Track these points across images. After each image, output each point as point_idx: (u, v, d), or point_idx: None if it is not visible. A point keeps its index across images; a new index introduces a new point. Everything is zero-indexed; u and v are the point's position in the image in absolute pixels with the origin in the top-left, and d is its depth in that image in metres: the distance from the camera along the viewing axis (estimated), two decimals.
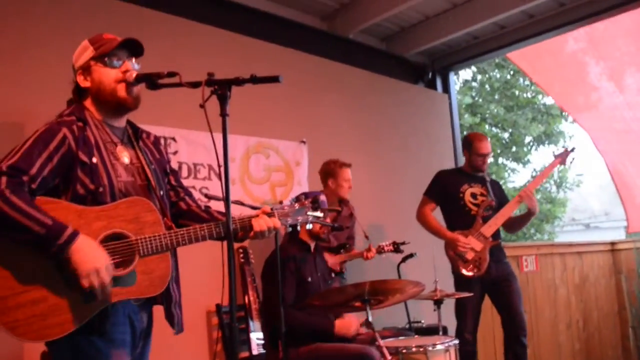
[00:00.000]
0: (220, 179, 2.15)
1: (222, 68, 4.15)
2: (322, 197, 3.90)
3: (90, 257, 1.92)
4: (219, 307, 4.20)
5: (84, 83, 2.19)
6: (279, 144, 4.93)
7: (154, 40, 4.30)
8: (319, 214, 2.43)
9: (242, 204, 3.25)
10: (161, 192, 2.24)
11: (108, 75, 2.16)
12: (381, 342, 2.96)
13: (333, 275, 4.26)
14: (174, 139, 4.27)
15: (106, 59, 2.16)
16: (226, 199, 2.02)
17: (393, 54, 6.49)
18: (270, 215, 2.30)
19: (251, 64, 4.66)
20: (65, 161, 2.03)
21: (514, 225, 4.62)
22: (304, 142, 5.09)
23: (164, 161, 2.38)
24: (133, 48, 2.22)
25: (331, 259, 4.40)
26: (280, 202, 2.44)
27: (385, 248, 4.57)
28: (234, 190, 4.45)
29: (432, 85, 6.91)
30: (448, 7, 5.89)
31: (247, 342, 4.21)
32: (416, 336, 3.90)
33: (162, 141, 4.07)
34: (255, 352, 4.10)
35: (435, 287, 3.62)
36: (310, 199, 2.47)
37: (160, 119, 4.10)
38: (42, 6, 3.92)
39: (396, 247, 4.59)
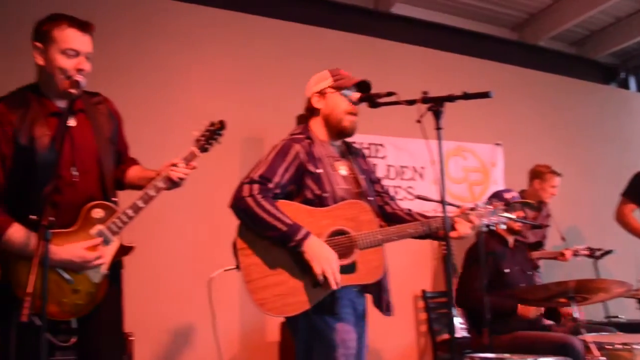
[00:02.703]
0: (435, 181, 2.18)
1: (419, 83, 4.35)
2: (513, 194, 3.78)
3: (320, 251, 2.10)
4: (424, 292, 4.35)
5: (317, 104, 2.37)
6: (476, 147, 4.92)
7: (363, 60, 4.64)
8: (510, 215, 2.43)
9: (448, 204, 3.44)
10: (371, 198, 2.36)
11: (341, 104, 2.34)
12: (588, 337, 2.83)
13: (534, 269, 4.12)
14: (382, 145, 4.51)
15: (342, 90, 2.35)
16: (442, 201, 2.07)
17: (583, 57, 6.15)
18: (468, 215, 2.34)
19: (446, 76, 4.81)
20: (298, 171, 2.23)
21: None
22: (499, 144, 5.04)
23: (370, 171, 2.52)
24: (363, 87, 2.37)
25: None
26: (475, 205, 2.44)
27: (581, 252, 4.41)
28: (437, 189, 4.54)
29: (624, 85, 6.45)
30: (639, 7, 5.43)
31: (450, 325, 4.42)
32: (618, 332, 3.60)
33: (369, 151, 4.41)
34: (457, 335, 4.28)
35: (638, 286, 3.35)
36: (503, 202, 2.50)
37: (371, 129, 4.34)
38: (276, 40, 4.36)
39: (592, 252, 4.41)
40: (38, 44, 2.07)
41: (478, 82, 4.94)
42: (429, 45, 5.07)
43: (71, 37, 2.05)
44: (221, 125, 2.29)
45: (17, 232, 1.97)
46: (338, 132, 2.38)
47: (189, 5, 4.11)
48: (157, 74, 3.94)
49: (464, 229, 2.31)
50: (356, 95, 2.34)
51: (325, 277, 2.09)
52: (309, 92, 2.43)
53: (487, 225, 2.40)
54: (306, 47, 4.38)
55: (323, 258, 2.10)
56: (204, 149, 2.26)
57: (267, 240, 2.14)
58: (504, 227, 2.49)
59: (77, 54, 2.06)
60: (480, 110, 4.95)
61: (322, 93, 2.38)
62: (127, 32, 3.89)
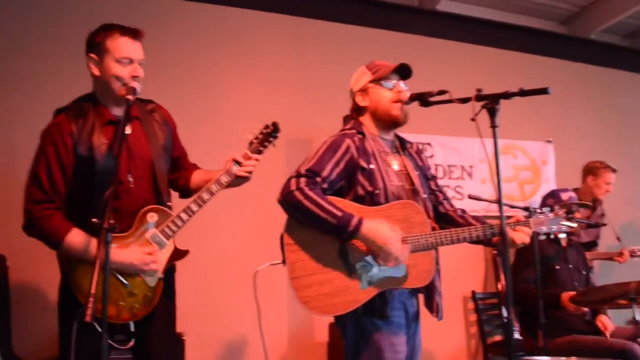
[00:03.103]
0: (492, 180, 2.12)
1: (467, 80, 4.30)
2: (570, 194, 3.74)
3: (379, 235, 2.06)
4: (474, 293, 4.30)
5: (362, 102, 2.34)
6: (526, 145, 4.82)
7: (409, 59, 4.69)
8: (572, 224, 2.32)
9: (505, 204, 3.36)
10: (424, 196, 2.29)
11: (384, 96, 2.29)
12: None
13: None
14: (429, 144, 4.46)
15: (382, 81, 2.30)
16: (499, 203, 1.96)
17: (637, 50, 5.88)
18: (525, 224, 2.24)
19: (494, 73, 4.71)
20: (349, 166, 2.19)
21: None
22: (550, 141, 4.93)
23: (425, 168, 2.44)
24: (403, 72, 2.33)
25: None
26: (534, 210, 2.37)
27: (638, 252, 4.27)
28: (485, 188, 4.49)
29: None
30: None
31: (501, 327, 4.35)
32: None
33: (423, 150, 4.33)
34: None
35: None
36: (565, 210, 2.37)
37: (417, 128, 4.39)
38: (323, 42, 4.37)
39: None
40: (93, 56, 2.14)
41: (527, 78, 4.84)
42: (475, 41, 4.98)
43: (124, 46, 2.11)
44: (274, 128, 2.33)
45: (76, 237, 2.04)
46: (390, 123, 2.33)
47: (237, 10, 4.16)
48: (207, 77, 4.00)
49: (521, 238, 2.21)
50: (406, 93, 2.29)
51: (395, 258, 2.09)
52: (352, 93, 2.40)
53: (547, 234, 2.32)
54: (352, 48, 4.35)
55: (383, 242, 2.07)
56: (258, 152, 2.32)
57: (317, 234, 2.11)
58: (563, 235, 2.39)
59: (130, 61, 2.12)
60: (530, 107, 4.82)
61: (364, 90, 2.35)
62: (178, 36, 3.96)
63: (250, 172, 2.29)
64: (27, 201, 2.07)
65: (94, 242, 1.99)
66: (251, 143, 2.32)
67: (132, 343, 2.10)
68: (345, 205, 2.14)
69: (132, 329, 2.12)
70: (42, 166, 2.07)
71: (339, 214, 2.05)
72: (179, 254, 2.22)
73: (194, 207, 2.19)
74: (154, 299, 2.16)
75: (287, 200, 2.10)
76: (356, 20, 4.53)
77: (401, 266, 2.14)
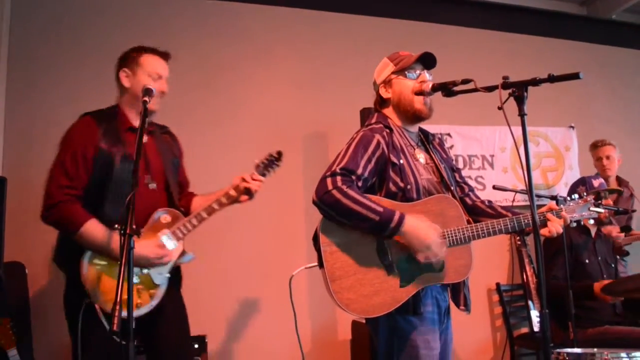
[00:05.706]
0: (514, 169, 2.08)
1: (486, 68, 4.31)
2: (600, 180, 3.72)
3: (422, 233, 2.03)
4: (499, 285, 4.28)
5: (385, 94, 2.30)
6: (548, 131, 4.75)
7: (428, 48, 4.62)
8: (601, 209, 2.32)
9: (535, 195, 3.31)
10: (452, 188, 2.27)
11: (407, 87, 2.25)
12: None
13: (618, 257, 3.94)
14: (449, 134, 4.42)
15: (405, 72, 2.26)
16: (530, 192, 1.90)
17: None
18: (558, 213, 2.23)
19: (514, 59, 4.67)
20: (380, 163, 2.15)
21: None
22: (572, 127, 4.86)
23: (450, 160, 2.42)
24: (427, 61, 2.29)
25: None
26: (562, 198, 2.37)
27: None
28: (507, 177, 4.43)
29: None
30: None
31: (527, 319, 4.31)
32: None
33: (444, 141, 4.43)
34: (536, 328, 4.13)
35: None
36: (593, 196, 2.35)
37: (436, 118, 4.36)
38: (339, 34, 4.34)
39: None
40: (127, 70, 2.42)
41: (546, 62, 4.81)
42: (492, 27, 4.92)
43: (155, 63, 2.44)
44: (279, 156, 2.62)
45: (95, 227, 2.21)
46: (413, 117, 2.28)
47: (252, 5, 4.17)
48: (221, 75, 4.00)
49: (556, 227, 2.19)
50: (428, 84, 2.24)
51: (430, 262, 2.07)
52: (375, 86, 2.37)
53: (577, 221, 2.30)
54: (368, 39, 4.31)
55: (424, 242, 2.05)
56: (262, 174, 2.58)
57: (354, 234, 2.08)
58: (592, 222, 2.42)
59: (159, 77, 2.42)
60: (551, 92, 4.71)
61: (387, 82, 2.31)
62: (190, 35, 3.95)
63: (255, 191, 2.53)
64: (51, 185, 2.24)
65: (112, 236, 2.18)
66: (257, 166, 2.56)
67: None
68: (381, 202, 2.10)
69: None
70: (68, 155, 2.25)
71: (380, 209, 2.02)
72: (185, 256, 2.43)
73: (204, 214, 2.43)
74: (156, 294, 2.33)
75: (326, 200, 2.05)
76: (372, 11, 4.49)
77: (440, 262, 2.12)
